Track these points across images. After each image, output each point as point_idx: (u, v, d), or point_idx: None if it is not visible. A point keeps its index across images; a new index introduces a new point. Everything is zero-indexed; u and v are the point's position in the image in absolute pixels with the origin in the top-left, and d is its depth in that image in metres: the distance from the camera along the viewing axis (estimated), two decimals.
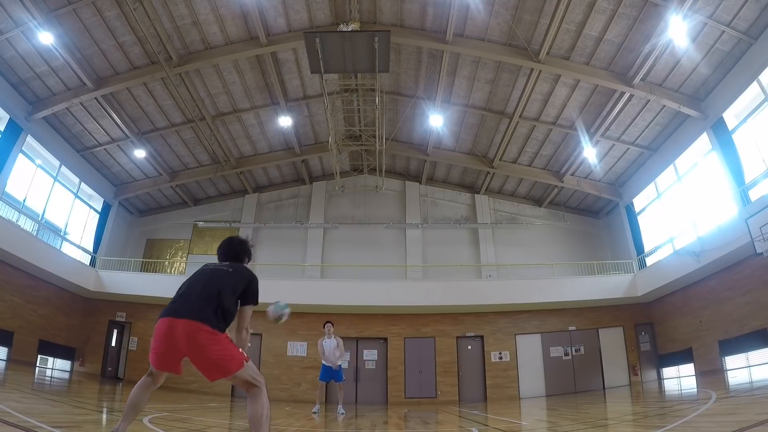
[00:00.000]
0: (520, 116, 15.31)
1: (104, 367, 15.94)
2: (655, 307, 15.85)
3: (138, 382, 2.70)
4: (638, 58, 12.44)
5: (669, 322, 15.02)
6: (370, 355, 16.38)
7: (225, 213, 20.08)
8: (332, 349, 8.98)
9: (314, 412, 8.79)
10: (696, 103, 13.22)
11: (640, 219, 16.95)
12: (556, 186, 18.16)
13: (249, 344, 3.04)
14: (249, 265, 3.24)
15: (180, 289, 2.82)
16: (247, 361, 2.66)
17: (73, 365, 15.55)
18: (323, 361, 9.05)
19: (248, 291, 2.90)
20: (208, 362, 2.54)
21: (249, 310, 2.94)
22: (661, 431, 3.99)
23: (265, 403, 2.62)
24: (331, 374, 9.01)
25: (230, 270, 2.91)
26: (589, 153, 15.61)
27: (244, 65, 14.63)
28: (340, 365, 9.14)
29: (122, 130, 15.69)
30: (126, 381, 15.61)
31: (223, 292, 2.72)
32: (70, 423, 3.83)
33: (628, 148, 15.88)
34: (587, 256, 18.10)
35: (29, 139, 14.11)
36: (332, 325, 9.20)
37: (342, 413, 9.00)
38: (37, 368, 13.55)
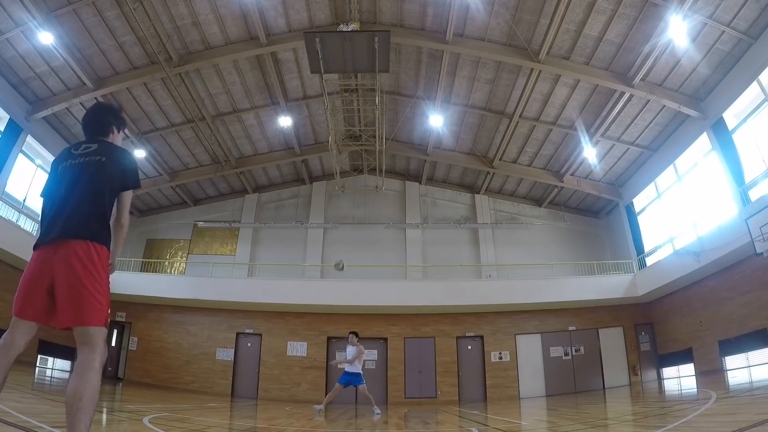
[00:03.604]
0: (520, 116, 15.30)
1: (104, 367, 15.90)
2: (655, 307, 15.85)
3: None
4: (638, 58, 12.44)
5: (669, 322, 15.02)
6: (370, 355, 16.34)
7: (225, 213, 20.07)
8: (352, 355, 9.41)
9: (317, 410, 8.87)
10: (696, 103, 13.22)
11: (640, 219, 16.94)
12: (556, 186, 18.16)
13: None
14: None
15: (46, 203, 2.30)
16: (106, 324, 2.15)
17: (73, 365, 15.53)
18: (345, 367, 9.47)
19: (127, 176, 2.40)
20: (73, 296, 2.04)
21: (129, 195, 2.44)
22: (661, 431, 3.98)
23: (97, 382, 2.03)
24: (348, 378, 9.21)
25: (103, 159, 2.34)
26: (589, 153, 15.61)
27: (244, 65, 14.63)
28: (351, 370, 9.34)
29: (122, 130, 15.65)
30: (126, 381, 15.61)
31: (105, 192, 2.26)
32: None
33: (628, 148, 15.88)
34: (587, 256, 18.10)
35: (29, 139, 14.11)
36: (355, 335, 9.62)
37: (377, 413, 9.00)
38: (37, 368, 13.54)
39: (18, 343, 2.08)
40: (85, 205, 2.20)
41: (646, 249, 16.32)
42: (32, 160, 14.79)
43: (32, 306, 2.09)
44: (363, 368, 9.73)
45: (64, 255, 2.08)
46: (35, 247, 2.18)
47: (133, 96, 14.77)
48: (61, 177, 2.31)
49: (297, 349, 16.27)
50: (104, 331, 2.13)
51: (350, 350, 9.43)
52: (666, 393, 10.59)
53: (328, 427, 6.48)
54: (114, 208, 2.36)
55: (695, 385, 10.55)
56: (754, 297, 11.30)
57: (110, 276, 2.26)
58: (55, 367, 14.80)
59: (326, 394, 11.93)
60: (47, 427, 3.18)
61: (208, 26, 13.16)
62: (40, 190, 2.41)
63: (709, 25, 11.14)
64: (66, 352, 15.32)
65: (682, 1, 10.43)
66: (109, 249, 2.23)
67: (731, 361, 12.04)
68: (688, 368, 13.78)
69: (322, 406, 8.99)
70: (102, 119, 2.58)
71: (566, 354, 16.04)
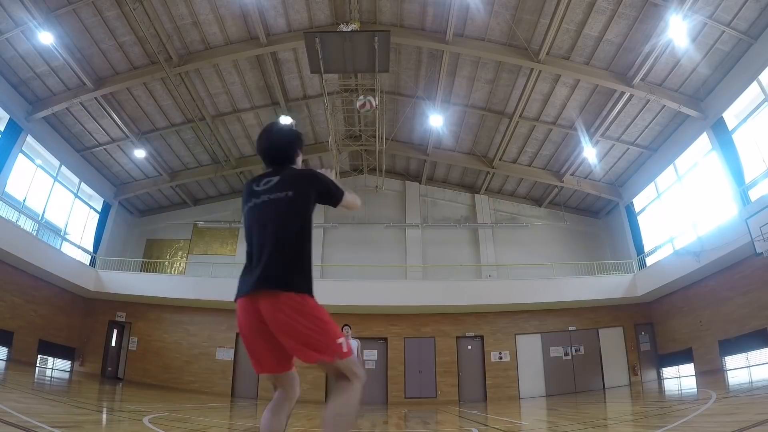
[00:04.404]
0: (520, 116, 15.30)
1: (104, 367, 15.94)
2: (655, 307, 15.85)
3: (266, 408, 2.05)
4: (638, 58, 12.44)
5: (669, 322, 15.02)
6: (370, 355, 16.37)
7: (225, 213, 20.06)
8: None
9: None
10: (696, 103, 13.22)
11: (640, 219, 16.94)
12: (556, 186, 18.15)
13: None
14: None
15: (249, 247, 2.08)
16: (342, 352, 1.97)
17: (73, 365, 15.55)
18: None
19: (324, 196, 2.21)
20: (296, 347, 1.93)
21: (345, 199, 2.26)
22: (661, 431, 3.98)
23: (355, 402, 1.95)
24: None
25: (290, 194, 2.09)
26: (589, 153, 15.61)
27: (244, 65, 14.63)
28: None
29: (122, 130, 15.68)
30: (126, 381, 15.61)
31: (297, 230, 2.06)
32: (70, 423, 3.83)
33: (628, 148, 15.88)
34: (587, 256, 18.10)
35: (29, 139, 14.11)
36: (349, 327, 9.62)
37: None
38: (37, 368, 13.54)
39: (290, 393, 2.06)
40: (279, 254, 1.98)
41: (646, 249, 16.32)
42: (32, 160, 14.78)
43: (265, 362, 2.01)
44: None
45: (268, 308, 1.91)
46: (236, 299, 2.03)
47: (133, 96, 14.77)
48: (249, 220, 2.12)
49: None
50: (346, 358, 1.95)
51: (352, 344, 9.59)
52: (666, 393, 10.60)
53: None
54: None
55: (695, 385, 10.55)
56: (754, 297, 11.30)
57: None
58: (55, 367, 14.81)
59: (326, 394, 12.00)
60: (47, 427, 3.18)
61: (208, 26, 13.16)
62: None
63: (709, 25, 11.14)
64: (66, 352, 15.35)
65: (682, 1, 10.43)
66: (311, 296, 2.01)
67: (731, 361, 12.04)
68: (688, 368, 13.78)
69: None
70: (287, 147, 2.30)
71: (566, 354, 16.04)
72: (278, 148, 2.28)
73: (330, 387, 1.96)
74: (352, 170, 20.15)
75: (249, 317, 1.97)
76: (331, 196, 2.22)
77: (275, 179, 2.14)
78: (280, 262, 1.96)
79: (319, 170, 2.30)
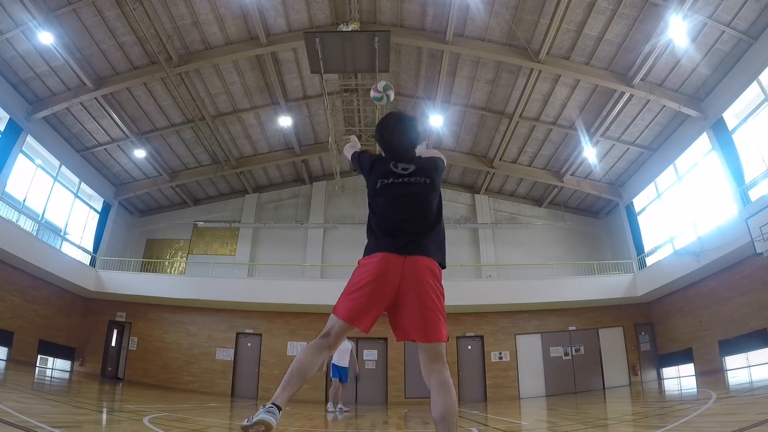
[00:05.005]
0: (520, 116, 15.31)
1: (104, 367, 15.94)
2: (655, 307, 15.85)
3: (309, 344, 2.13)
4: (638, 58, 12.44)
5: (669, 322, 15.02)
6: (370, 355, 16.37)
7: (225, 213, 20.07)
8: (342, 350, 9.41)
9: (330, 411, 9.02)
10: (696, 103, 13.22)
11: (640, 219, 16.95)
12: (556, 186, 18.16)
13: None
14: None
15: (388, 216, 2.28)
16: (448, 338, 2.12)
17: (73, 365, 15.55)
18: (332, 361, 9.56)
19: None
20: (424, 313, 2.05)
21: None
22: (661, 431, 3.99)
23: (455, 396, 2.03)
24: (338, 372, 9.33)
25: (428, 181, 2.34)
26: (589, 153, 15.61)
27: (244, 65, 14.63)
28: (340, 364, 9.43)
29: (122, 130, 15.69)
30: (126, 381, 15.61)
31: (436, 213, 2.32)
32: (70, 423, 3.83)
33: (628, 148, 15.88)
34: (587, 256, 18.10)
35: (29, 139, 14.11)
36: None
37: (344, 410, 9.24)
38: (37, 368, 13.54)
39: (335, 346, 2.15)
40: (430, 229, 2.25)
41: (646, 249, 16.32)
42: (32, 160, 14.78)
43: (368, 315, 2.09)
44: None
45: (416, 271, 2.08)
46: (373, 252, 2.18)
47: (133, 96, 14.77)
48: (390, 195, 2.33)
49: (297, 349, 16.25)
50: (445, 345, 2.12)
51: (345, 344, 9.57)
52: (666, 393, 10.59)
53: (327, 427, 6.48)
54: None
55: (695, 385, 10.55)
56: (754, 297, 11.30)
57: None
58: (55, 367, 14.81)
59: (326, 394, 12.03)
60: (47, 427, 3.18)
61: (208, 26, 13.16)
62: (372, 193, 2.43)
63: (709, 25, 11.14)
64: (66, 352, 15.34)
65: (682, 1, 10.43)
66: (443, 269, 2.26)
67: (731, 361, 12.04)
68: (688, 368, 13.78)
69: (341, 405, 9.30)
70: (417, 141, 2.52)
71: (566, 354, 16.04)
72: (413, 142, 2.49)
73: (426, 369, 2.04)
74: (351, 170, 20.14)
75: (389, 272, 2.09)
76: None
77: (412, 167, 2.37)
78: (429, 236, 2.21)
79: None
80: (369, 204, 2.46)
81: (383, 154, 2.53)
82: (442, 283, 2.17)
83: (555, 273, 17.08)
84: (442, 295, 2.13)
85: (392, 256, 2.12)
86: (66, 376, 13.84)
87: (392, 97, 3.53)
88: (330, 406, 9.37)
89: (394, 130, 2.45)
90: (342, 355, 9.56)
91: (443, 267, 2.24)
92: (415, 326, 2.05)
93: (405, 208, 2.27)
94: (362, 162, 2.57)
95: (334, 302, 2.22)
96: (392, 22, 13.70)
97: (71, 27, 12.10)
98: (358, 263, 2.25)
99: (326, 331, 2.12)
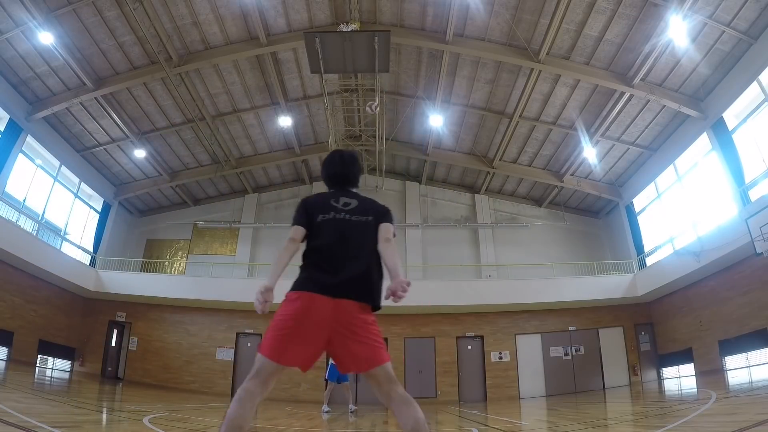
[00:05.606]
0: (520, 116, 15.30)
1: (104, 367, 15.94)
2: (655, 307, 15.84)
3: (238, 393, 1.92)
4: (638, 58, 12.44)
5: (669, 322, 15.02)
6: None
7: (225, 213, 20.07)
8: None
9: (326, 412, 8.98)
10: (696, 103, 13.22)
11: (640, 219, 16.94)
12: (556, 186, 18.15)
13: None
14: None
15: (321, 251, 2.25)
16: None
17: (73, 365, 15.55)
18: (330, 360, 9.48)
19: (388, 219, 2.41)
20: (362, 350, 2.05)
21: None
22: (661, 431, 3.99)
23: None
24: (338, 373, 9.37)
25: (370, 219, 2.33)
26: (589, 153, 15.61)
27: (244, 65, 14.63)
28: None
29: (122, 130, 15.69)
30: (126, 381, 15.61)
31: (375, 253, 2.27)
32: (70, 423, 3.84)
33: (628, 148, 15.88)
34: (587, 256, 18.10)
35: (29, 139, 14.11)
36: None
37: (353, 409, 9.28)
38: (37, 368, 13.54)
39: (267, 390, 1.99)
40: (366, 269, 2.22)
41: (646, 249, 16.32)
42: (32, 160, 14.78)
43: (297, 354, 2.02)
44: None
45: (348, 316, 2.05)
46: (302, 289, 2.13)
47: (133, 96, 14.77)
48: (328, 230, 2.29)
49: None
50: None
51: None
52: (666, 393, 10.60)
53: (327, 427, 6.48)
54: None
55: (695, 385, 10.55)
56: (754, 297, 11.30)
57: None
58: (55, 367, 14.81)
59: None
60: (47, 427, 3.18)
61: (208, 26, 13.16)
62: (295, 221, 2.40)
63: (709, 25, 11.14)
64: (66, 352, 15.34)
65: (682, 1, 10.43)
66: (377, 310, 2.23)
67: (731, 361, 12.04)
68: (688, 368, 13.78)
69: (351, 405, 9.34)
70: (356, 171, 2.52)
71: (566, 354, 16.04)
72: (353, 175, 2.52)
73: (383, 392, 2.06)
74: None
75: (315, 314, 2.04)
76: (389, 221, 2.40)
77: (354, 202, 2.37)
78: (363, 276, 2.18)
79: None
80: (308, 237, 2.39)
81: (327, 190, 2.53)
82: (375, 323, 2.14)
83: (555, 273, 17.08)
84: (377, 330, 2.11)
85: (320, 298, 2.06)
86: (66, 376, 13.84)
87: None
88: (325, 407, 9.33)
89: (338, 164, 2.50)
90: None
91: (377, 309, 2.19)
92: (357, 361, 2.05)
93: (343, 245, 2.23)
94: (298, 217, 2.44)
95: None
96: (392, 22, 13.70)
97: (71, 27, 12.10)
98: (286, 296, 2.18)
99: (255, 371, 1.98)
